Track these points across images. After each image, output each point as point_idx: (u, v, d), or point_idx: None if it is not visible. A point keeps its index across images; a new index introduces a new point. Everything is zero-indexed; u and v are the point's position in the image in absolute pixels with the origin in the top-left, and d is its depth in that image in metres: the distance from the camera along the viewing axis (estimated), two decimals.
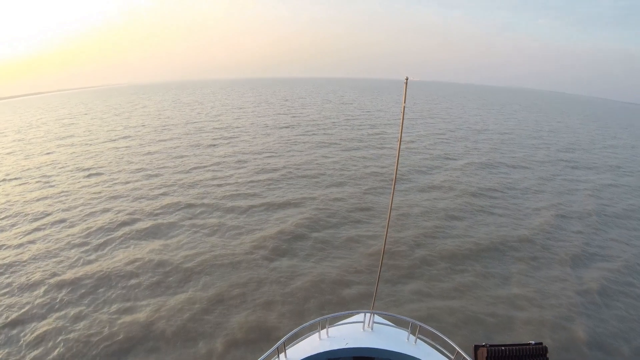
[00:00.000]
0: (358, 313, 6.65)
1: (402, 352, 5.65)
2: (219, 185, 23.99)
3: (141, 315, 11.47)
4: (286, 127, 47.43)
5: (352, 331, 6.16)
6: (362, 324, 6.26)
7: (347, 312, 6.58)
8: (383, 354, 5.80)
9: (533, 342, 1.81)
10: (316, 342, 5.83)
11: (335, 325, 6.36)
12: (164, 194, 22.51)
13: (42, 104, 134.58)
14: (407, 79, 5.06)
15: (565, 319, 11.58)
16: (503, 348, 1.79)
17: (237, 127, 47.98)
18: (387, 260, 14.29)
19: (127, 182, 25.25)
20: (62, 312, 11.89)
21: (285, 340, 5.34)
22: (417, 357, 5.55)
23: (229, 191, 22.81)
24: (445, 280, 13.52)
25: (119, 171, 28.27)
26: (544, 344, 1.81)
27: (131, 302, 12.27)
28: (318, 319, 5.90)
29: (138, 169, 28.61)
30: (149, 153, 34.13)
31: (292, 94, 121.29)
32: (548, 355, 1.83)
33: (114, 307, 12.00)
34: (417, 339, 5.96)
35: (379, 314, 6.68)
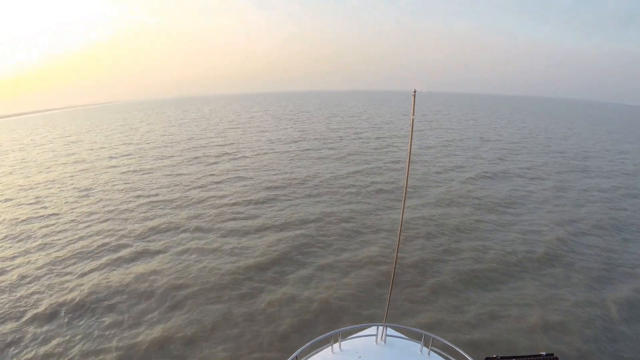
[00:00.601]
0: (370, 326, 6.60)
1: None
2: (214, 207, 23.31)
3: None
4: (294, 142, 47.31)
5: (365, 344, 6.13)
6: (374, 337, 6.23)
7: (359, 325, 6.55)
8: None
9: (544, 353, 1.82)
10: (329, 356, 5.82)
11: (348, 339, 6.33)
12: (156, 216, 21.95)
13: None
14: (415, 92, 5.02)
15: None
16: (514, 359, 1.81)
17: (241, 143, 47.77)
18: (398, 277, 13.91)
19: (121, 203, 24.88)
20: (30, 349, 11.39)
21: (298, 354, 5.35)
22: None
23: (225, 212, 22.25)
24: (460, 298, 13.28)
25: (114, 191, 28.02)
26: (554, 355, 1.81)
27: (105, 342, 11.59)
28: (330, 332, 5.88)
29: (133, 189, 28.25)
30: (146, 172, 33.94)
31: (299, 107, 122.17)
32: None
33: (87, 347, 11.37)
34: (430, 351, 5.90)
35: (392, 327, 6.63)
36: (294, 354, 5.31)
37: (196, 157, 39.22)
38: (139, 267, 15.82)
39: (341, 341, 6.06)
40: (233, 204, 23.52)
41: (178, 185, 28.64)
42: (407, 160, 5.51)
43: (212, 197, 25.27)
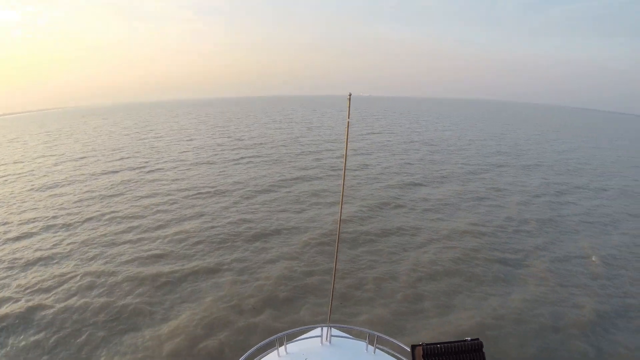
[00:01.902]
0: (315, 328, 6.64)
1: None
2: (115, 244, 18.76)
3: None
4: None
5: (311, 346, 6.16)
6: (319, 338, 6.28)
7: (303, 327, 6.57)
8: None
9: (469, 338, 1.90)
10: None
11: (293, 342, 6.32)
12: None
13: None
14: (350, 95, 5.22)
15: None
16: (439, 346, 1.86)
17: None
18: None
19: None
20: None
21: None
22: None
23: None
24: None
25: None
26: (479, 340, 1.90)
27: None
28: (275, 336, 5.84)
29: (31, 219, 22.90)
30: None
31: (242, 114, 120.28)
32: (484, 350, 1.92)
33: None
34: (376, 349, 6.05)
35: (336, 327, 6.72)
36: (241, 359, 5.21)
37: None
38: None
39: (286, 344, 6.04)
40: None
41: None
42: (344, 162, 5.63)
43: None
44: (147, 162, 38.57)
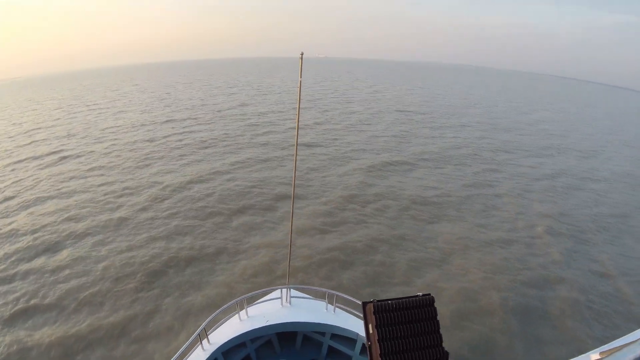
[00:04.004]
0: (275, 290, 6.74)
1: (322, 322, 5.89)
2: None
3: None
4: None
5: (271, 308, 6.25)
6: (280, 299, 6.38)
7: (263, 290, 6.62)
8: (305, 327, 6.01)
9: (421, 293, 1.94)
10: (237, 324, 5.82)
11: (254, 305, 6.39)
12: None
13: None
14: (302, 54, 5.12)
15: None
16: (390, 302, 1.89)
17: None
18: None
19: None
20: None
21: (205, 326, 5.24)
22: (337, 324, 5.84)
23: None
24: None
25: None
26: (431, 294, 1.95)
27: None
28: (235, 300, 5.85)
29: None
30: None
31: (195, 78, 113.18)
32: (435, 304, 1.98)
33: None
34: (336, 308, 6.25)
35: (295, 288, 6.86)
36: (201, 326, 5.21)
37: None
38: None
39: (247, 307, 6.08)
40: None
41: None
42: (296, 126, 5.53)
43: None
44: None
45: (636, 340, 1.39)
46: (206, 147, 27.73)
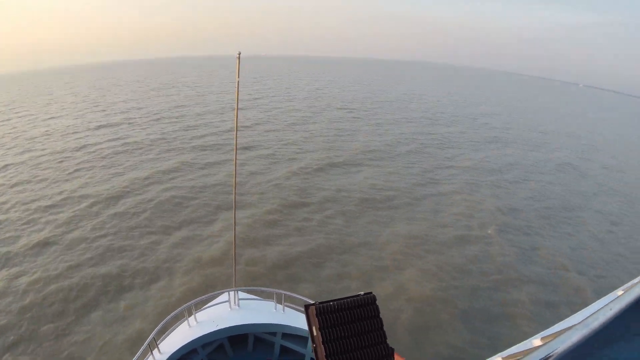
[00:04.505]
0: (222, 293, 6.66)
1: (273, 322, 5.91)
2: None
3: None
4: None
5: (220, 312, 6.18)
6: (227, 303, 6.32)
7: (210, 294, 6.51)
8: (255, 328, 5.99)
9: (362, 292, 2.04)
10: (187, 331, 5.71)
11: (202, 310, 6.28)
12: None
13: None
14: (239, 54, 5.11)
15: None
16: (332, 303, 1.98)
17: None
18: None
19: None
20: None
21: (154, 336, 5.11)
22: (287, 324, 5.88)
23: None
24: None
25: None
26: (372, 293, 2.05)
27: None
28: (183, 306, 5.74)
29: None
30: None
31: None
32: (377, 302, 2.07)
33: None
34: (285, 307, 6.27)
35: (243, 290, 6.80)
36: (151, 336, 5.07)
37: None
38: None
39: (196, 313, 5.98)
40: None
41: None
42: (234, 125, 5.54)
43: None
44: None
45: (576, 324, 1.46)
46: (141, 154, 25.96)
